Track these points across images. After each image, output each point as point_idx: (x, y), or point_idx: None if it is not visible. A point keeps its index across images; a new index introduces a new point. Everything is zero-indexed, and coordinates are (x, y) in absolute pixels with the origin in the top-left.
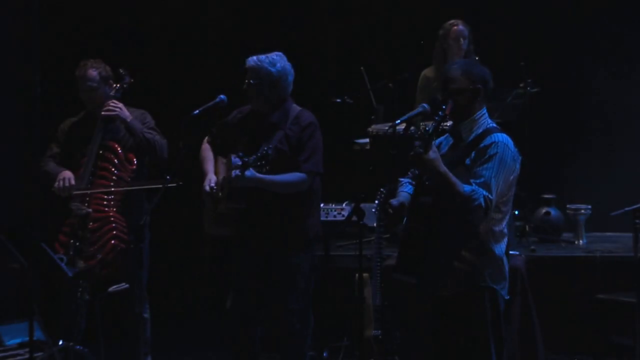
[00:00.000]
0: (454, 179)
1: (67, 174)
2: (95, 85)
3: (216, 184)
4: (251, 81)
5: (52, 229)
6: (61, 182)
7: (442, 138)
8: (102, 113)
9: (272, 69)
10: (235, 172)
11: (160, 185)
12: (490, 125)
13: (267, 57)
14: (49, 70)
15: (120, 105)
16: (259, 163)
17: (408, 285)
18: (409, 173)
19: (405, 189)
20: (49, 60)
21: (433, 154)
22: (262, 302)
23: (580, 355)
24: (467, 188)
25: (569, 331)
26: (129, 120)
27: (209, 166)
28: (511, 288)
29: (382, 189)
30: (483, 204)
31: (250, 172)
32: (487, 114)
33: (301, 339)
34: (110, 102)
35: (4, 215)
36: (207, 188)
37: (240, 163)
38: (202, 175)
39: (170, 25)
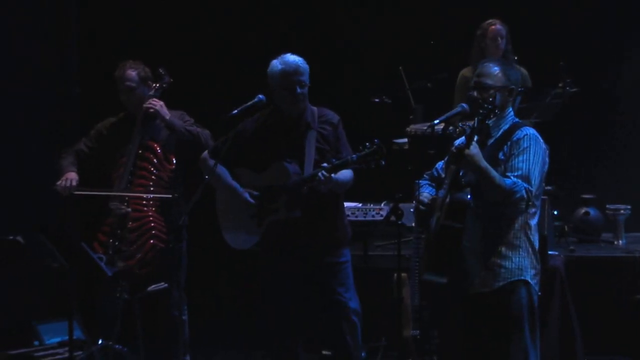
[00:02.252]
0: (494, 173)
1: (72, 175)
2: (134, 85)
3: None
4: (303, 84)
5: (92, 229)
6: (64, 182)
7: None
8: (144, 106)
9: (307, 67)
10: (322, 173)
11: (170, 196)
12: (516, 120)
13: (295, 56)
14: (87, 69)
15: (161, 102)
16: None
17: (440, 285)
18: (424, 175)
19: (426, 190)
20: (87, 59)
21: (474, 149)
22: (306, 307)
23: (620, 356)
24: (507, 182)
25: (608, 332)
26: (167, 117)
27: (232, 180)
28: (550, 288)
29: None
30: (525, 196)
31: (334, 175)
32: (513, 113)
33: (357, 334)
34: (151, 99)
35: (43, 215)
36: (251, 199)
37: (326, 165)
38: (227, 190)
39: (208, 25)
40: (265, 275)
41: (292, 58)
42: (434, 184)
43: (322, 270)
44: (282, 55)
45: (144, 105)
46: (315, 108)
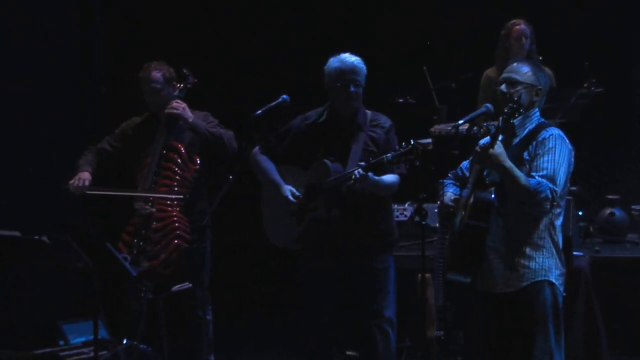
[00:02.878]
0: (518, 173)
1: (85, 175)
2: (159, 87)
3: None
4: (357, 83)
5: (116, 229)
6: (76, 182)
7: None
8: (166, 111)
9: (365, 68)
10: (358, 171)
11: (182, 196)
12: (542, 120)
13: (353, 55)
14: (112, 69)
15: (184, 105)
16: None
17: (464, 285)
18: (449, 175)
19: (450, 190)
20: (112, 58)
21: (499, 148)
22: (342, 309)
23: None
24: (532, 181)
25: (633, 333)
26: (190, 120)
27: (278, 176)
28: (575, 289)
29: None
30: (549, 196)
31: (371, 174)
32: (539, 113)
33: (390, 343)
34: (174, 100)
35: (68, 215)
36: (291, 197)
37: (363, 164)
38: (271, 185)
39: (232, 25)
40: (303, 273)
41: (349, 57)
42: (458, 184)
43: (360, 274)
44: (340, 54)
45: (167, 110)
46: (369, 112)
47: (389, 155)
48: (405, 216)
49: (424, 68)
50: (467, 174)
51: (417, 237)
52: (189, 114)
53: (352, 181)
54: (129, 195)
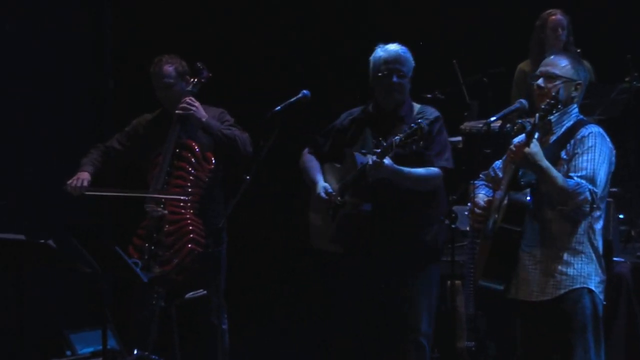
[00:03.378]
0: (556, 173)
1: (85, 175)
2: (172, 82)
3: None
4: (401, 74)
5: (127, 232)
6: (75, 181)
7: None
8: (177, 112)
9: (411, 59)
10: (371, 158)
11: (184, 197)
12: (581, 117)
13: (399, 45)
14: (121, 63)
15: (197, 104)
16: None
17: (497, 293)
18: (480, 175)
19: (482, 191)
20: (121, 53)
21: (535, 147)
22: (377, 320)
23: None
24: (570, 182)
25: None
26: (204, 120)
27: (318, 174)
28: (616, 296)
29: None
30: (589, 198)
31: (388, 161)
32: (578, 110)
33: (427, 357)
34: (186, 98)
35: (75, 216)
36: (323, 194)
37: (378, 150)
38: (310, 185)
39: (248, 17)
40: (335, 276)
41: (394, 46)
42: (490, 185)
43: (397, 282)
44: (386, 44)
45: (178, 109)
46: (417, 105)
47: (396, 137)
48: None
49: (454, 61)
50: (500, 174)
51: (447, 241)
52: (201, 113)
53: (367, 169)
54: (132, 196)
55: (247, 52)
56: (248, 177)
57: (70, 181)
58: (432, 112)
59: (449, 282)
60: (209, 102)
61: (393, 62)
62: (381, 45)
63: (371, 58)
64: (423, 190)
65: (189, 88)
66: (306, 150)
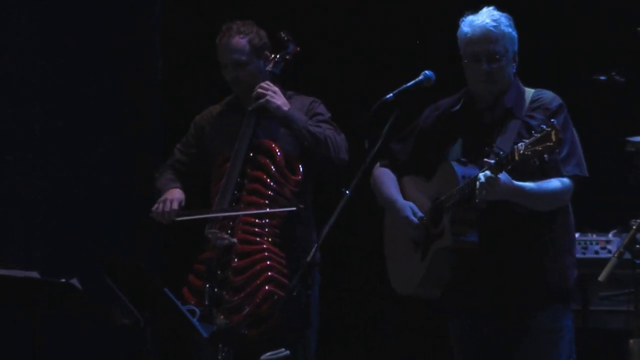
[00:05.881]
0: None
1: (174, 193)
2: (245, 59)
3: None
4: (494, 57)
5: (179, 268)
6: (161, 205)
7: None
8: (254, 93)
9: (514, 33)
10: (484, 173)
11: (294, 208)
12: None
13: (491, 12)
14: (172, 53)
15: (275, 88)
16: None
17: None
18: None
19: None
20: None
21: None
22: None
23: None
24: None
25: None
26: (284, 110)
27: (396, 191)
28: None
29: None
30: None
31: (504, 176)
32: None
33: None
34: (262, 83)
35: (112, 247)
36: (412, 217)
37: (493, 162)
38: (388, 205)
39: None
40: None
41: (482, 18)
42: None
43: (515, 337)
44: (474, 14)
45: (254, 93)
46: (531, 90)
47: (520, 144)
48: (610, 251)
49: (639, 29)
50: None
51: (627, 283)
52: (281, 101)
53: (478, 190)
54: (219, 218)
55: (348, 19)
56: (347, 192)
57: (155, 206)
58: (553, 100)
59: (630, 341)
60: (297, 89)
61: (480, 41)
62: (467, 15)
63: (458, 34)
64: (547, 209)
65: (269, 68)
66: (377, 164)
